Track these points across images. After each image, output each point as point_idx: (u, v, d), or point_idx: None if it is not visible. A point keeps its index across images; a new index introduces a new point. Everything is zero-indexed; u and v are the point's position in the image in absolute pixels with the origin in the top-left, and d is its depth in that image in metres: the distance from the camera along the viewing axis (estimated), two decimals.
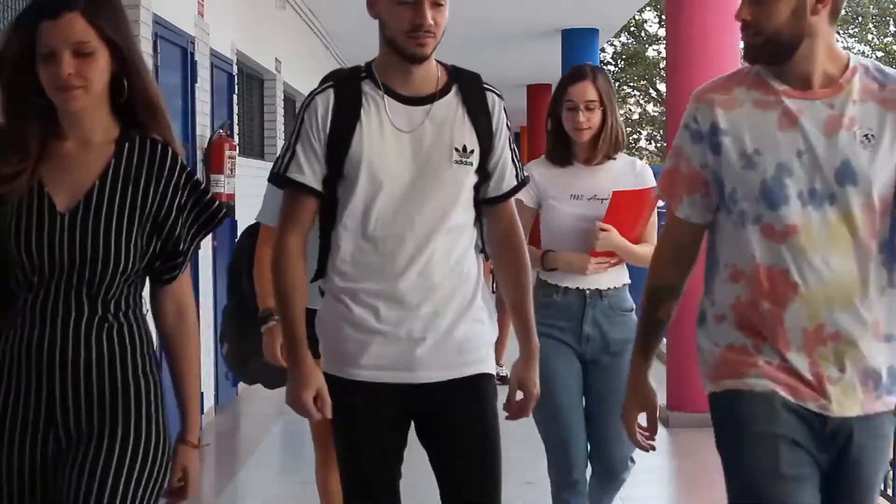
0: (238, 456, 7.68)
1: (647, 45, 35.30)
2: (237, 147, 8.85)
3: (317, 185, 3.11)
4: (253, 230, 4.52)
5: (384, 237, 3.08)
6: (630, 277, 4.36)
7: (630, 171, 4.32)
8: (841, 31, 39.55)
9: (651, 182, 4.32)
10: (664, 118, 20.98)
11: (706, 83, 2.89)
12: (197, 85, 7.93)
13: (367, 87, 3.12)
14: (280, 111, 11.90)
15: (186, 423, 2.78)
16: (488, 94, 3.19)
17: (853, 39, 39.05)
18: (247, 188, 9.00)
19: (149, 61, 6.68)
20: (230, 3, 9.37)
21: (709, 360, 2.86)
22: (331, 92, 3.11)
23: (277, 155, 3.24)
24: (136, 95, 2.67)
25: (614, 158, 4.30)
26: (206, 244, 8.28)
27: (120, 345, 2.68)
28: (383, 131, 3.09)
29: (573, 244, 4.22)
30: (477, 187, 3.18)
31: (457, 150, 3.11)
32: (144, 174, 2.67)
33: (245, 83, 10.56)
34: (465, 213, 3.16)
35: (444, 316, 3.12)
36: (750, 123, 2.76)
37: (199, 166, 8.07)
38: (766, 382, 2.74)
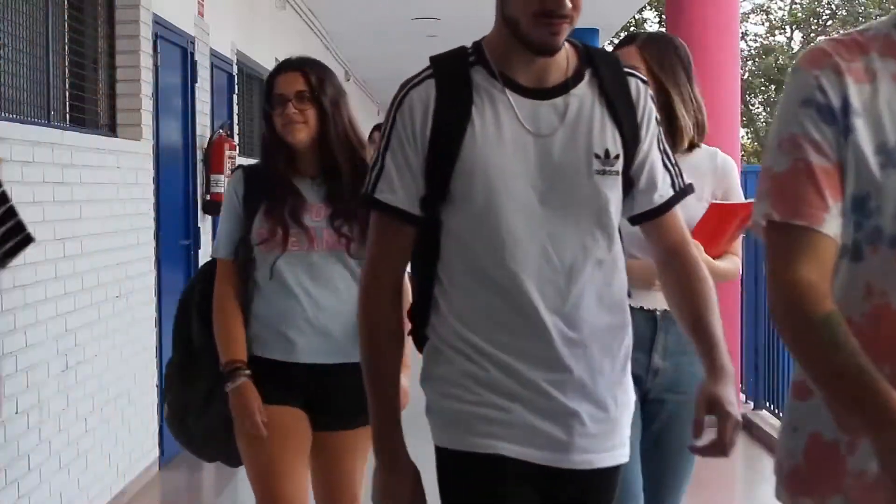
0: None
1: None
2: (237, 147, 8.86)
3: (412, 208, 2.36)
4: (209, 268, 3.74)
5: (513, 275, 2.32)
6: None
7: (709, 164, 3.42)
8: (841, 31, 39.48)
9: (736, 184, 3.48)
10: None
11: (816, 45, 1.98)
12: (197, 85, 7.93)
13: (478, 76, 2.36)
14: None
15: None
16: (631, 79, 2.42)
17: None
18: None
19: (149, 61, 6.69)
20: (230, 3, 9.37)
21: (785, 456, 1.99)
22: (431, 84, 2.36)
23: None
24: None
25: (698, 146, 3.42)
26: (207, 239, 8.27)
27: None
28: (502, 135, 2.33)
29: (638, 253, 3.11)
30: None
31: (597, 156, 2.35)
32: None
33: (245, 83, 10.55)
34: (616, 239, 2.41)
35: (600, 381, 2.37)
36: (891, 105, 1.90)
37: (199, 166, 8.08)
38: None
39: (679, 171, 2.49)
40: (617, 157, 2.37)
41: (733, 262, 3.48)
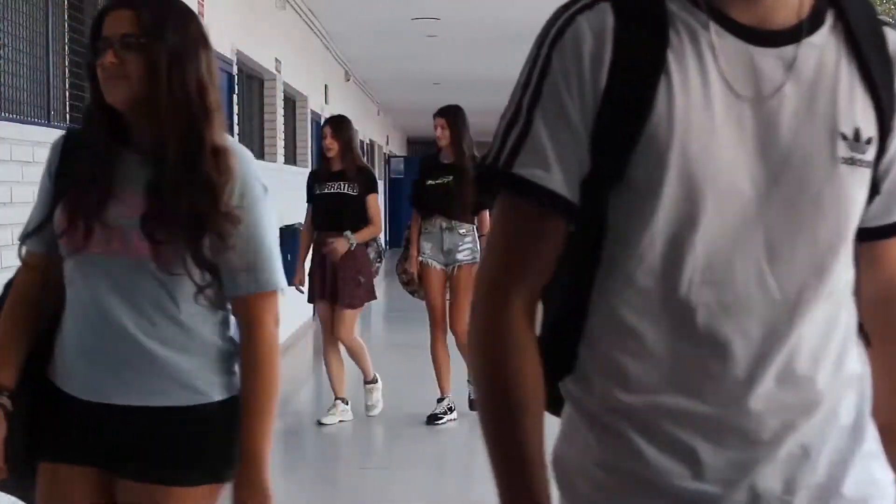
0: None
1: None
2: None
3: (572, 194, 1.58)
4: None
5: (706, 305, 1.56)
6: None
7: None
8: None
9: None
10: None
11: None
12: None
13: (674, 4, 1.58)
14: (280, 111, 11.90)
15: None
16: (888, 31, 1.65)
17: None
18: None
19: None
20: (230, 3, 9.37)
21: None
22: (607, 8, 1.57)
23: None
24: None
25: None
26: None
27: None
28: (709, 95, 1.56)
29: None
30: None
31: (844, 136, 1.59)
32: None
33: (245, 83, 10.56)
34: (851, 261, 1.66)
35: (819, 457, 1.62)
36: None
37: None
38: None
39: None
40: (869, 141, 1.60)
41: None
